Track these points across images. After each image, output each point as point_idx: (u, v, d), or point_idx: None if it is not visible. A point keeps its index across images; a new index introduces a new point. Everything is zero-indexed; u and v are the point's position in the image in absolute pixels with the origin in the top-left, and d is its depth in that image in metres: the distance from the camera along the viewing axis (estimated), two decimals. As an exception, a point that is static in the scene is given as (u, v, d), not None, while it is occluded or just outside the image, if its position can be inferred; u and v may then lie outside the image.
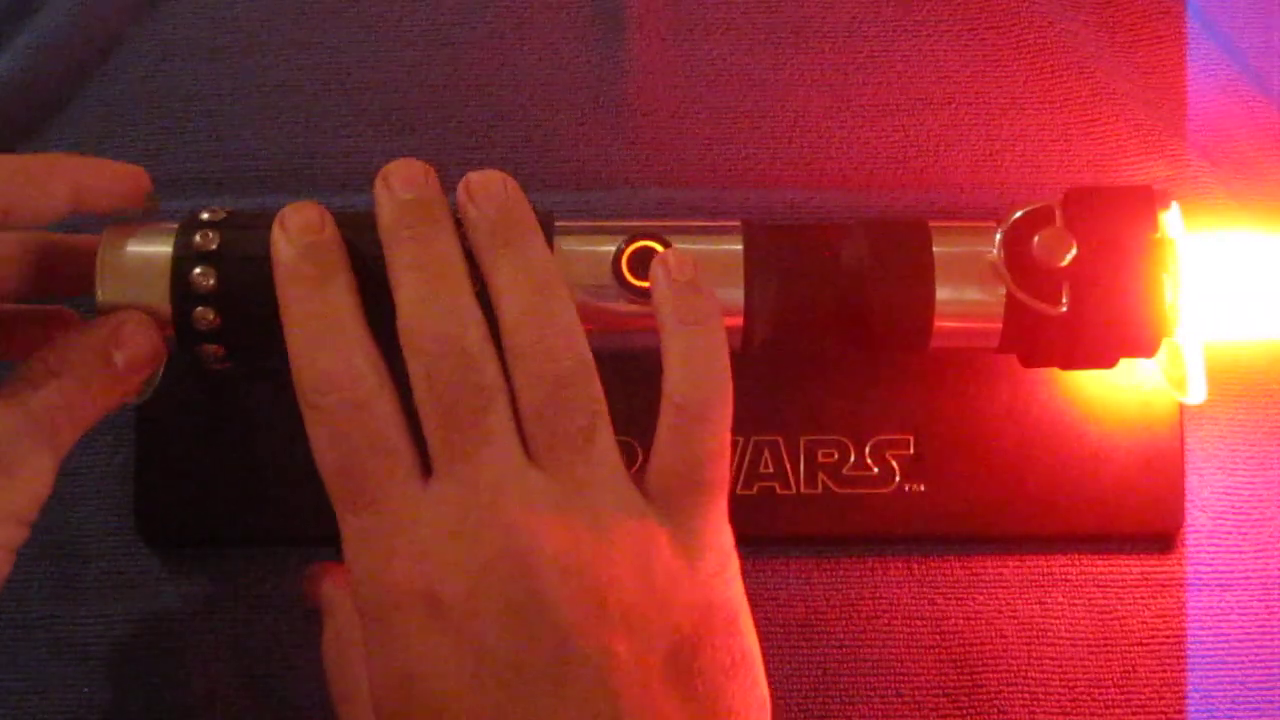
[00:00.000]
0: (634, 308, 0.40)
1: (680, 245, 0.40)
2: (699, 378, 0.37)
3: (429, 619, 0.34)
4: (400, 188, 0.37)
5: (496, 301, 0.37)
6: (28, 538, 0.37)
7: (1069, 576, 0.47)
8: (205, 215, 0.40)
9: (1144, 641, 0.47)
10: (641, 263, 0.39)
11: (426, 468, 0.36)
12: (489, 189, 0.38)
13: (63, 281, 0.41)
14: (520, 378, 0.36)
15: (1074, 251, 0.40)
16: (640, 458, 0.42)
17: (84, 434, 0.38)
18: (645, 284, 0.39)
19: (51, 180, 0.38)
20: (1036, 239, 0.40)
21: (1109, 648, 0.46)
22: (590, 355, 0.37)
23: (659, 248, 0.39)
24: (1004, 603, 0.47)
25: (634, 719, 0.33)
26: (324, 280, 0.37)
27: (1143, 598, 0.47)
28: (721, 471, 0.37)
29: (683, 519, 0.36)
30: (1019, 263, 0.40)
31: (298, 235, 0.37)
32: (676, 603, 0.35)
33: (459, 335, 0.36)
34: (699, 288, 0.38)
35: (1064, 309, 0.40)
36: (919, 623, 0.47)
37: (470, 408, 0.35)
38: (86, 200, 0.39)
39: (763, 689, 0.37)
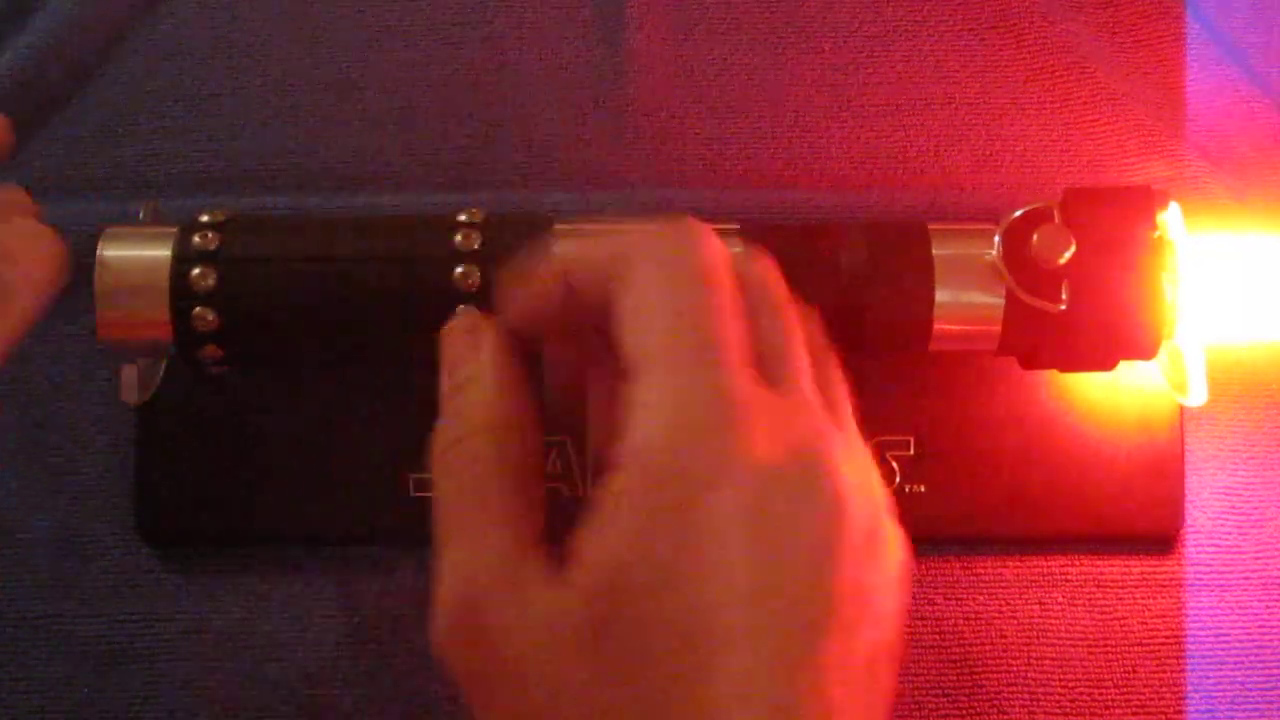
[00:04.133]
0: None
1: None
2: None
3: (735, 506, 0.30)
4: None
5: None
6: None
7: (1069, 576, 0.47)
8: (205, 218, 0.40)
9: (1144, 641, 0.47)
10: None
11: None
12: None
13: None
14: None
15: (1073, 249, 0.40)
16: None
17: (5, 352, 0.36)
18: None
19: None
20: (1035, 237, 0.40)
21: (1109, 648, 0.46)
22: None
23: None
24: (1004, 603, 0.47)
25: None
26: None
27: (1143, 598, 0.47)
28: None
29: None
30: (1018, 262, 0.40)
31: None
32: None
33: None
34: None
35: (1063, 307, 0.40)
36: (919, 623, 0.47)
37: None
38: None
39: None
